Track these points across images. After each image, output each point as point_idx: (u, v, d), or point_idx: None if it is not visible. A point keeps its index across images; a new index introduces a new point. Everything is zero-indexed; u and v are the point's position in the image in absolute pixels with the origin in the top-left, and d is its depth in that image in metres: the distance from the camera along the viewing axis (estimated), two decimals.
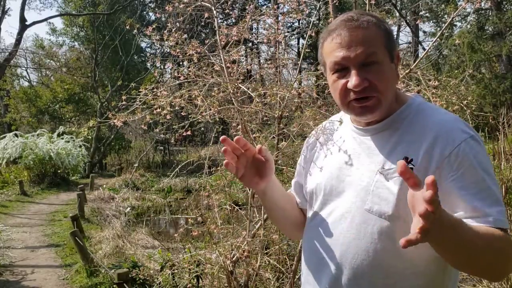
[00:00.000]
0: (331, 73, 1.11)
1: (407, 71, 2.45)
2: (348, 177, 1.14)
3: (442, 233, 0.85)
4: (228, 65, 2.75)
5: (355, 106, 1.09)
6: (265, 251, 2.99)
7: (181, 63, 3.22)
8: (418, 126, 1.08)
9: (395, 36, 1.21)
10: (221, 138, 1.16)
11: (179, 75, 2.74)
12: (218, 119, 2.76)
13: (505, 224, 0.97)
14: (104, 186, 12.37)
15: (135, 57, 21.44)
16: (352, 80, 1.05)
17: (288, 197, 1.39)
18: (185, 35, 2.73)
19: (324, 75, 1.21)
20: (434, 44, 14.01)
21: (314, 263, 1.20)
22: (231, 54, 2.76)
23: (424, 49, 17.72)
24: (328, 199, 1.19)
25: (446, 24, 2.84)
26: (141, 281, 4.29)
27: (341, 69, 1.08)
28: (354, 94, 1.07)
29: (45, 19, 19.35)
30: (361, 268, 1.06)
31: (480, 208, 0.97)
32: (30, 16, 22.03)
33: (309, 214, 1.27)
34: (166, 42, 2.74)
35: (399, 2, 20.79)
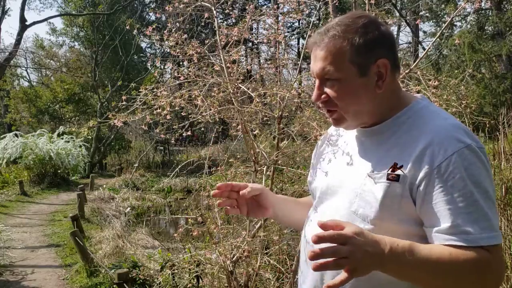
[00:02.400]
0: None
1: (407, 71, 2.45)
2: (343, 177, 1.15)
3: (377, 269, 0.92)
4: (228, 65, 2.75)
5: (328, 117, 1.15)
6: (265, 251, 2.99)
7: (181, 63, 3.21)
8: (415, 131, 1.05)
9: (395, 36, 1.15)
10: (212, 193, 1.26)
11: (179, 75, 2.74)
12: (218, 119, 2.76)
13: (491, 241, 0.94)
14: (104, 186, 12.37)
15: (135, 57, 21.43)
16: (313, 93, 1.12)
17: (304, 203, 1.40)
18: (185, 35, 2.73)
19: None
20: (434, 44, 14.02)
21: (303, 260, 1.21)
22: (231, 54, 2.76)
23: (424, 49, 17.71)
24: (323, 197, 1.20)
25: (446, 24, 2.85)
26: (141, 281, 4.29)
27: (315, 79, 1.13)
28: (320, 105, 1.13)
29: (45, 19, 19.33)
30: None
31: (462, 226, 0.94)
32: (30, 16, 22.05)
33: (312, 210, 1.29)
34: (166, 42, 2.74)
35: (399, 2, 20.78)
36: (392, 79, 1.09)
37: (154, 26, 2.79)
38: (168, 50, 2.80)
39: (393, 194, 1.01)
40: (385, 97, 1.09)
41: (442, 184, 0.96)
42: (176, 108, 2.57)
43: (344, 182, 1.13)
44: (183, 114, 2.68)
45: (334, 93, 1.07)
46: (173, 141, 3.61)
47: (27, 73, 25.86)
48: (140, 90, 2.57)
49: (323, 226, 0.93)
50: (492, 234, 0.94)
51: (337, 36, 1.05)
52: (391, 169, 1.02)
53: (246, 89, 2.53)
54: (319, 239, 0.89)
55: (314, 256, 0.88)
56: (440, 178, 0.96)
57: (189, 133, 2.64)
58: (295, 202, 1.43)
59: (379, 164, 1.06)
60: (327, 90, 1.08)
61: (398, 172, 1.01)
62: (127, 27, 3.29)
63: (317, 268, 0.89)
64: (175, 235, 3.10)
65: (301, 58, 3.17)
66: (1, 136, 13.00)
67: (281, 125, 2.71)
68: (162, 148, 21.39)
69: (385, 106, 1.10)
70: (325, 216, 1.14)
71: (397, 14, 18.54)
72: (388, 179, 1.02)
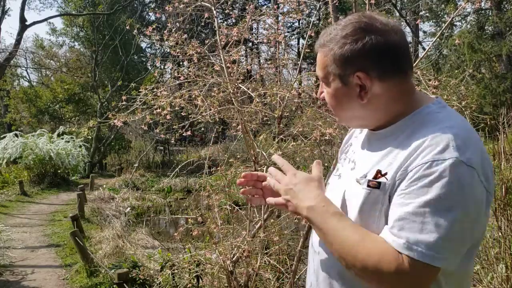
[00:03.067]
0: None
1: None
2: (344, 182, 1.15)
3: (299, 211, 1.08)
4: (228, 65, 2.75)
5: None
6: (265, 251, 2.99)
7: (181, 63, 3.21)
8: (411, 138, 1.01)
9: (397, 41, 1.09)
10: (238, 182, 1.30)
11: (179, 75, 2.74)
12: (218, 119, 2.77)
13: (421, 256, 0.88)
14: (104, 186, 12.37)
15: (135, 57, 21.43)
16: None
17: None
18: (185, 35, 2.73)
19: None
20: (434, 44, 14.02)
21: (311, 272, 1.22)
22: (231, 54, 2.76)
23: (424, 49, 17.71)
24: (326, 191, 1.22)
25: (446, 24, 2.85)
26: (141, 281, 4.29)
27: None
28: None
29: (45, 19, 19.33)
30: (333, 272, 1.09)
31: (398, 230, 0.92)
32: (29, 16, 22.02)
33: None
34: (166, 42, 2.74)
35: (399, 2, 20.79)
36: (387, 88, 1.04)
37: (154, 26, 2.79)
38: (168, 50, 2.80)
39: (373, 201, 1.00)
40: (383, 104, 1.06)
41: (404, 188, 0.94)
42: (176, 108, 2.57)
43: (342, 186, 1.14)
44: (183, 114, 2.68)
45: (325, 95, 1.14)
46: (173, 141, 3.60)
47: (27, 73, 25.90)
48: (140, 90, 2.57)
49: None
50: (428, 251, 0.89)
51: (323, 44, 1.09)
52: (373, 176, 1.02)
53: (246, 89, 2.53)
54: (274, 159, 1.25)
55: (259, 175, 1.27)
56: (406, 182, 0.94)
57: (189, 133, 2.64)
58: None
59: (372, 170, 1.04)
60: (324, 91, 1.16)
61: (381, 179, 1.00)
62: (127, 27, 3.29)
63: (265, 184, 1.24)
64: (175, 235, 3.10)
65: (301, 58, 3.17)
66: (1, 136, 13.00)
67: (281, 125, 2.71)
68: (162, 148, 21.40)
69: (386, 112, 1.07)
70: None
71: (397, 14, 18.55)
72: (368, 186, 1.02)
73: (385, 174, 1.00)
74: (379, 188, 1.00)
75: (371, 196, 1.01)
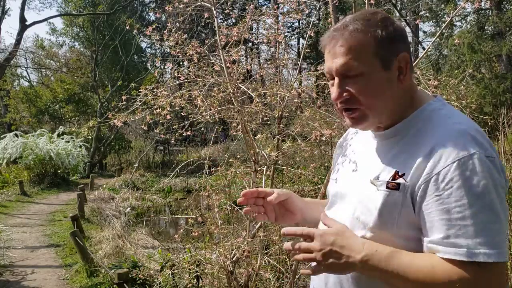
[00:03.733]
0: (328, 80, 1.13)
1: None
2: (352, 182, 1.12)
3: (352, 271, 1.00)
4: (228, 65, 2.75)
5: (345, 116, 1.09)
6: (265, 251, 2.99)
7: (181, 63, 3.21)
8: (423, 136, 1.00)
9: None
10: (238, 201, 1.24)
11: (179, 75, 2.74)
12: (218, 119, 2.77)
13: (487, 258, 0.87)
14: (104, 186, 12.37)
15: (135, 57, 21.42)
16: (332, 91, 1.07)
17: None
18: (185, 35, 2.73)
19: None
20: (434, 44, 14.01)
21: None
22: (231, 54, 2.76)
23: (424, 49, 17.71)
24: (334, 200, 1.19)
25: (445, 24, 2.85)
26: (141, 281, 4.29)
27: (331, 78, 1.08)
28: (339, 104, 1.07)
29: (45, 19, 19.35)
30: (344, 276, 1.06)
31: (454, 238, 0.90)
32: (30, 16, 22.04)
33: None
34: (166, 42, 2.74)
35: (399, 2, 20.78)
36: (409, 76, 1.07)
37: (154, 26, 2.79)
38: (168, 50, 2.80)
39: (393, 202, 0.99)
40: (403, 95, 1.06)
41: (439, 193, 0.92)
42: (176, 108, 2.57)
43: (351, 187, 1.11)
44: (183, 114, 2.68)
45: (358, 89, 1.03)
46: (173, 141, 3.61)
47: (27, 73, 25.88)
48: (140, 90, 2.57)
49: (323, 221, 1.08)
50: (490, 251, 0.88)
51: (358, 30, 1.02)
52: (391, 177, 1.00)
53: (246, 89, 2.53)
54: (285, 234, 1.05)
55: (286, 250, 1.04)
56: (437, 186, 0.92)
57: (189, 133, 2.64)
58: (322, 205, 1.36)
59: (385, 171, 1.03)
60: (349, 87, 1.04)
61: (399, 180, 0.98)
62: (127, 27, 3.29)
63: (292, 257, 1.06)
64: (175, 235, 3.10)
65: (301, 58, 3.17)
66: (1, 136, 13.00)
67: (281, 125, 2.71)
68: (162, 148, 21.40)
69: (402, 105, 1.07)
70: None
71: (397, 14, 18.54)
72: (387, 187, 1.00)
73: (403, 175, 0.98)
74: (398, 190, 0.98)
75: (390, 198, 0.99)
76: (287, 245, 1.04)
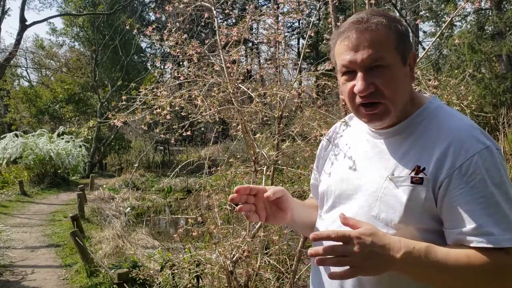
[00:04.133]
0: (340, 75, 1.10)
1: None
2: (358, 181, 1.12)
3: (389, 270, 0.95)
4: (228, 65, 2.75)
5: (363, 113, 1.07)
6: (265, 251, 2.99)
7: (181, 63, 3.22)
8: (432, 132, 1.04)
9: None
10: (230, 197, 1.18)
11: (179, 75, 2.74)
12: (218, 119, 2.76)
13: None
14: (104, 186, 12.37)
15: (135, 57, 21.43)
16: (358, 84, 1.04)
17: (312, 207, 1.35)
18: (185, 35, 2.73)
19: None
20: (434, 44, 14.01)
21: (320, 267, 1.18)
22: (231, 54, 2.76)
23: (424, 49, 17.71)
24: (337, 201, 1.17)
25: (445, 24, 2.85)
26: (141, 281, 4.29)
27: (349, 71, 1.06)
28: (361, 99, 1.05)
29: (45, 19, 19.37)
30: (365, 277, 1.04)
31: (485, 227, 0.94)
32: (29, 16, 22.08)
33: (319, 214, 1.26)
34: (166, 42, 2.74)
35: (399, 2, 20.78)
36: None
37: (154, 26, 2.79)
38: (168, 50, 2.80)
39: (418, 197, 1.00)
40: (407, 94, 1.09)
41: (463, 185, 0.96)
42: (176, 108, 2.57)
43: (361, 186, 1.10)
44: (183, 114, 2.68)
45: (384, 81, 1.02)
46: (173, 141, 3.61)
47: (27, 73, 25.88)
48: (140, 90, 2.57)
49: (344, 222, 0.99)
50: None
51: (383, 23, 1.04)
52: (414, 172, 1.01)
53: (246, 89, 2.53)
54: (316, 238, 0.96)
55: (313, 254, 0.95)
56: (461, 179, 0.96)
57: (189, 133, 2.64)
58: (308, 206, 1.36)
59: (399, 167, 1.04)
60: (375, 79, 1.03)
61: (421, 175, 1.00)
62: (127, 27, 3.29)
63: (318, 263, 0.96)
64: (175, 235, 3.10)
65: (301, 58, 3.17)
66: (1, 136, 13.00)
67: (281, 125, 2.71)
68: (162, 148, 21.40)
69: (407, 103, 1.09)
70: (338, 224, 1.06)
71: (397, 14, 18.54)
72: (412, 182, 1.01)
73: (424, 169, 1.01)
74: (422, 184, 1.00)
75: (415, 192, 1.01)
76: (316, 249, 0.95)
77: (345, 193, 1.14)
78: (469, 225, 0.95)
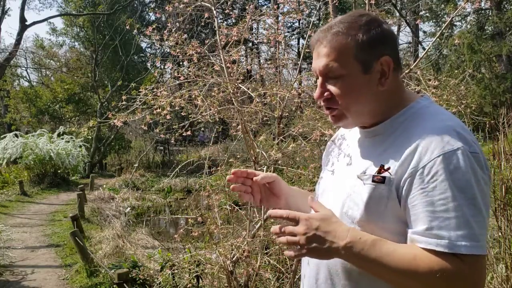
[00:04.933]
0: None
1: (407, 71, 2.45)
2: (341, 178, 1.15)
3: (335, 256, 1.00)
4: (228, 65, 2.75)
5: (328, 114, 1.14)
6: (265, 251, 2.99)
7: (181, 63, 3.21)
8: (410, 132, 1.03)
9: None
10: (228, 178, 1.28)
11: (179, 75, 2.74)
12: (218, 119, 2.76)
13: (467, 250, 0.90)
14: (104, 186, 12.37)
15: (135, 57, 21.43)
16: (315, 91, 1.11)
17: None
18: (185, 35, 2.73)
19: None
20: (434, 44, 14.01)
21: (306, 263, 1.22)
22: (231, 54, 2.76)
23: (424, 49, 17.70)
24: (322, 197, 1.22)
25: (445, 24, 2.85)
26: (141, 281, 4.29)
27: (317, 77, 1.12)
28: (322, 103, 1.12)
29: (45, 19, 19.36)
30: (335, 268, 1.08)
31: (436, 230, 0.92)
32: (29, 16, 22.11)
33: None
34: (166, 42, 2.74)
35: (399, 2, 20.78)
36: (394, 78, 1.08)
37: (154, 26, 2.79)
38: (168, 50, 2.80)
39: (378, 196, 1.01)
40: (387, 96, 1.09)
41: (424, 186, 0.94)
42: (176, 108, 2.57)
43: (341, 183, 1.14)
44: (183, 114, 2.68)
45: (337, 90, 1.06)
46: (173, 141, 3.61)
47: (27, 73, 25.90)
48: (140, 90, 2.57)
49: (310, 204, 1.09)
50: (471, 243, 0.90)
51: (340, 33, 1.05)
52: (377, 171, 1.03)
53: (246, 89, 2.53)
54: (272, 215, 1.08)
55: (274, 232, 1.05)
56: (422, 179, 0.95)
57: (189, 133, 2.64)
58: (306, 195, 1.37)
59: (371, 166, 1.06)
60: (330, 87, 1.08)
61: (385, 174, 1.01)
62: (127, 27, 3.29)
63: (276, 240, 1.06)
64: (175, 235, 3.10)
65: (301, 58, 3.17)
66: (1, 136, 13.00)
67: (281, 125, 2.71)
68: (162, 148, 21.39)
69: (386, 105, 1.09)
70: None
71: (397, 14, 18.54)
72: (373, 181, 1.02)
73: (388, 168, 1.01)
74: (384, 183, 1.00)
75: (376, 191, 1.01)
76: (274, 228, 1.05)
77: (328, 189, 1.20)
78: (421, 225, 0.94)
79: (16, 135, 12.78)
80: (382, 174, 1.01)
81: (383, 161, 1.03)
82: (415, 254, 0.93)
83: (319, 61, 1.08)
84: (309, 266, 1.20)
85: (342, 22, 1.06)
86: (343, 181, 1.13)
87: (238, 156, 3.11)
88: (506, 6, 14.20)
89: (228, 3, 2.93)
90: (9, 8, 25.40)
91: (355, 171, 1.10)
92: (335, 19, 1.11)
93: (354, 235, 0.98)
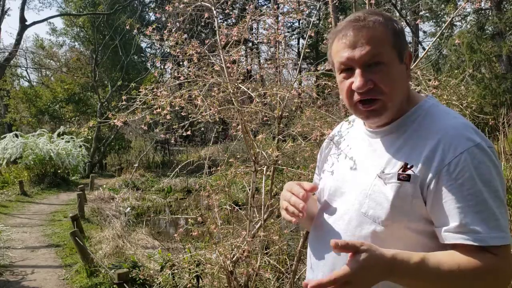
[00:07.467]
0: (338, 73, 1.11)
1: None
2: (352, 179, 1.14)
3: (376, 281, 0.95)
4: (228, 65, 2.75)
5: (361, 110, 1.08)
6: (265, 251, 2.99)
7: (181, 63, 3.21)
8: (424, 130, 1.04)
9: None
10: (302, 196, 1.13)
11: (179, 75, 2.74)
12: (218, 119, 2.76)
13: (499, 241, 0.93)
14: (104, 186, 12.37)
15: (135, 57, 21.43)
16: (356, 81, 1.04)
17: (314, 200, 1.34)
18: (185, 35, 2.73)
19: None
20: (434, 44, 14.01)
21: (314, 261, 1.20)
22: (231, 54, 2.76)
23: (424, 49, 17.70)
24: (332, 199, 1.19)
25: (446, 24, 2.85)
26: (141, 281, 4.29)
27: (347, 69, 1.07)
28: (359, 96, 1.06)
29: (45, 19, 19.35)
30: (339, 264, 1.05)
31: (470, 225, 0.94)
32: (29, 16, 22.11)
33: (318, 211, 1.28)
34: (166, 42, 2.74)
35: (399, 2, 20.78)
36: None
37: (154, 26, 2.79)
38: (168, 50, 2.80)
39: (404, 194, 1.01)
40: (406, 91, 1.10)
41: (452, 183, 0.96)
42: (176, 108, 2.57)
43: (353, 184, 1.12)
44: (183, 114, 2.68)
45: (381, 78, 1.03)
46: (173, 141, 3.61)
47: (27, 73, 25.88)
48: (140, 90, 2.56)
49: (335, 247, 0.94)
50: (501, 234, 0.93)
51: (380, 21, 1.05)
52: (401, 169, 1.02)
53: (246, 89, 2.52)
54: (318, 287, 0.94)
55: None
56: (450, 176, 0.96)
57: (188, 133, 2.64)
58: (312, 199, 1.34)
59: (390, 164, 1.05)
60: (373, 76, 1.04)
61: (409, 172, 1.01)
62: (127, 27, 3.29)
63: None
64: (175, 235, 3.10)
65: (301, 58, 3.17)
66: (1, 136, 13.00)
67: (281, 125, 2.71)
68: (162, 148, 21.39)
69: (404, 101, 1.10)
70: (334, 217, 1.14)
71: (397, 14, 18.54)
72: (399, 179, 1.02)
73: (412, 166, 1.01)
74: (409, 181, 1.00)
75: (402, 189, 1.01)
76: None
77: (339, 191, 1.17)
78: (455, 222, 0.95)
79: (16, 135, 12.78)
80: (407, 172, 1.01)
81: (401, 159, 1.04)
82: (458, 263, 0.94)
83: (360, 49, 1.03)
84: (313, 272, 1.19)
85: (375, 14, 1.07)
86: (353, 182, 1.12)
87: (238, 156, 3.11)
88: (506, 6, 14.19)
89: (228, 3, 2.93)
90: (9, 8, 25.43)
91: (368, 170, 1.09)
92: (358, 13, 1.10)
93: (400, 261, 0.94)
